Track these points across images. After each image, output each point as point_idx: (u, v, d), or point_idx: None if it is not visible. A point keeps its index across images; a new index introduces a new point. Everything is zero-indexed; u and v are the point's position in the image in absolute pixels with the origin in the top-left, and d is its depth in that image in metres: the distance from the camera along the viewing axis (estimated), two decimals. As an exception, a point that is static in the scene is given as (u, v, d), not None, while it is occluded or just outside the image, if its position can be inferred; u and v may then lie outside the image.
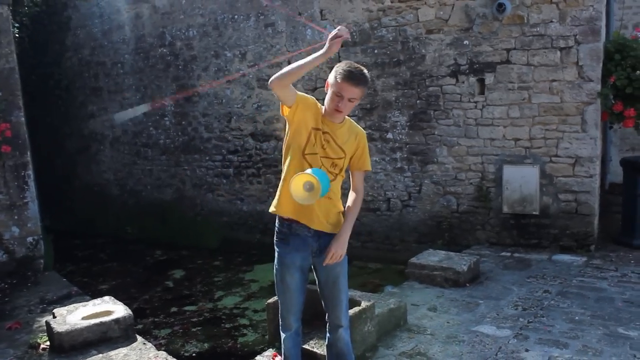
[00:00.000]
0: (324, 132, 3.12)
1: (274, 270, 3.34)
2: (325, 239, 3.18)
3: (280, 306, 3.38)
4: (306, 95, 3.12)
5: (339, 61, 7.99)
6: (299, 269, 3.25)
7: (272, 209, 3.24)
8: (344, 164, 3.21)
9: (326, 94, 3.12)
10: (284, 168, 3.20)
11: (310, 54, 2.96)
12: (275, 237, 3.30)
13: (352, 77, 2.99)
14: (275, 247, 3.29)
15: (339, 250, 3.10)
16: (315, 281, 3.36)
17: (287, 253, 3.21)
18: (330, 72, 3.11)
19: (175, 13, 9.90)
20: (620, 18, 8.67)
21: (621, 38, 6.96)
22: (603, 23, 6.82)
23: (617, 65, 6.72)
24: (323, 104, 3.16)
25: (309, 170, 2.92)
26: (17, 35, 10.54)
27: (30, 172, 7.04)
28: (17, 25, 11.43)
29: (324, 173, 2.98)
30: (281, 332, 3.42)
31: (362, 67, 3.07)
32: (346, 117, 3.21)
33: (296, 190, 2.91)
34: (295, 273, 3.24)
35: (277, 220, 3.28)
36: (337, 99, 3.03)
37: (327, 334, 3.43)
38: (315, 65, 2.99)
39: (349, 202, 3.28)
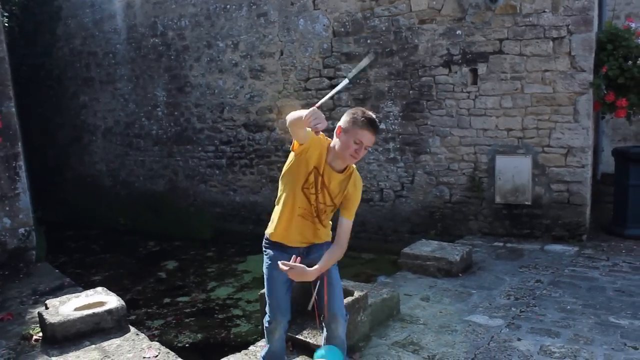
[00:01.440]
0: (321, 175, 3.14)
1: (264, 269, 3.36)
2: (313, 247, 3.30)
3: (268, 306, 3.36)
4: (316, 137, 3.04)
5: (332, 51, 8.01)
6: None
7: (268, 233, 3.33)
8: (332, 211, 3.29)
9: (338, 138, 3.08)
10: (281, 195, 3.27)
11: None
12: (263, 242, 3.39)
13: (373, 125, 3.02)
14: (264, 249, 3.38)
15: (295, 273, 3.01)
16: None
17: (278, 255, 3.24)
18: (343, 116, 3.11)
19: (167, 2, 9.83)
20: (613, 8, 8.68)
21: (613, 28, 6.96)
22: (595, 13, 6.82)
23: (610, 55, 6.73)
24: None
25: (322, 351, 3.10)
26: (6, 24, 10.48)
27: (22, 163, 6.99)
28: (6, 14, 11.37)
29: (338, 353, 3.11)
30: (267, 334, 3.39)
31: (373, 117, 3.07)
32: (351, 165, 3.20)
33: None
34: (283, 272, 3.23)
35: (266, 234, 3.37)
36: (355, 146, 3.02)
37: (324, 328, 3.41)
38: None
39: (329, 250, 3.20)
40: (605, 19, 7.62)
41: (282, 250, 3.26)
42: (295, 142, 3.08)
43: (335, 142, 3.11)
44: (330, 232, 3.33)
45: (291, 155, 3.18)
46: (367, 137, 3.02)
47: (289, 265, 2.97)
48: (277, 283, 3.27)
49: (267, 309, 3.38)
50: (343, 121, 3.08)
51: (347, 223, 3.22)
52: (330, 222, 3.38)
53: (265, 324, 3.39)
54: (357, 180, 3.26)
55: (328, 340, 3.37)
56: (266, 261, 3.34)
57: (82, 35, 11.44)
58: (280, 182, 3.29)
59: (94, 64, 11.37)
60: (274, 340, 3.39)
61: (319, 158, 3.12)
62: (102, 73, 11.26)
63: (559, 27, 6.65)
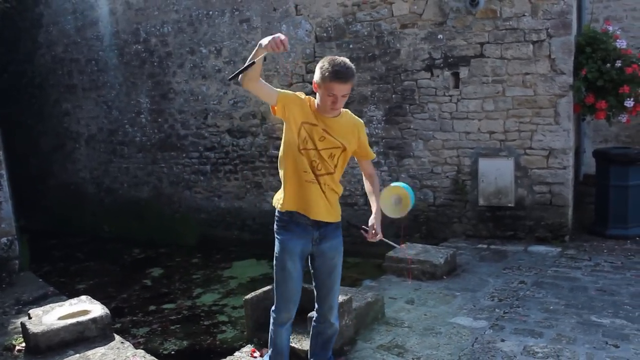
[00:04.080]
0: (316, 125, 3.14)
1: (274, 260, 3.34)
2: (325, 228, 3.27)
3: (277, 298, 3.38)
4: (286, 91, 3.14)
5: (315, 57, 8.03)
6: (300, 256, 3.28)
7: (277, 205, 3.30)
8: (343, 155, 3.26)
9: (316, 93, 3.13)
10: (282, 165, 3.25)
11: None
12: (275, 225, 3.33)
13: (339, 75, 2.99)
14: (277, 235, 3.31)
15: (379, 229, 3.28)
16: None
17: (289, 239, 3.23)
18: (315, 69, 3.11)
19: (150, 9, 9.81)
20: (591, 12, 8.79)
21: (592, 31, 7.06)
22: (574, 17, 6.92)
23: (589, 58, 6.82)
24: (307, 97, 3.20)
25: (397, 183, 3.09)
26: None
27: (4, 171, 6.94)
28: (-13, 22, 11.27)
29: (410, 188, 3.12)
30: (274, 326, 3.42)
31: (346, 61, 3.06)
32: (342, 109, 3.24)
33: (384, 204, 3.11)
34: (297, 259, 3.27)
35: (276, 210, 3.32)
36: (329, 98, 3.04)
37: (314, 323, 3.51)
38: (259, 55, 2.87)
39: (368, 187, 3.46)
40: (584, 23, 7.74)
41: (294, 224, 3.22)
42: (272, 108, 3.10)
43: (317, 99, 3.16)
44: (340, 211, 3.37)
45: (284, 124, 3.19)
46: (338, 88, 3.02)
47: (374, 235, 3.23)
48: (292, 273, 3.27)
49: (275, 303, 3.40)
50: (315, 75, 3.09)
51: (367, 162, 3.49)
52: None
53: (272, 319, 3.42)
54: (359, 123, 3.37)
55: (317, 334, 3.50)
56: (278, 249, 3.29)
57: (64, 42, 11.37)
58: (280, 159, 3.28)
59: (76, 71, 11.31)
60: (281, 336, 3.43)
61: (304, 111, 3.13)
62: (84, 80, 11.19)
63: (539, 31, 6.73)
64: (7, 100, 12.23)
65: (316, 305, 3.47)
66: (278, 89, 3.11)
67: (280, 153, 3.26)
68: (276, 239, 3.32)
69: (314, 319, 3.53)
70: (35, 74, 12.19)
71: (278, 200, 3.29)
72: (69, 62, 11.40)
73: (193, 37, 9.37)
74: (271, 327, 3.45)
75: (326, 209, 3.25)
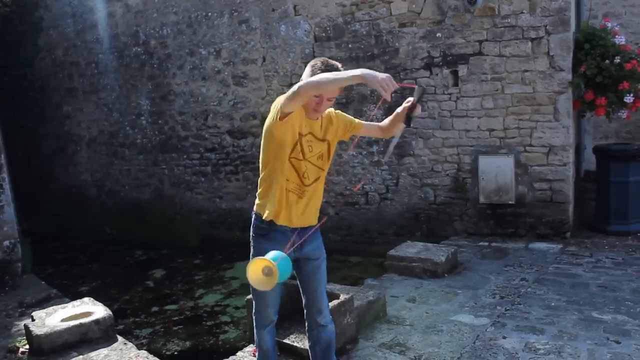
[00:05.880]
0: (307, 134, 3.09)
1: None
2: (305, 232, 3.17)
3: (256, 301, 3.36)
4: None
5: (314, 57, 8.04)
6: None
7: (262, 213, 3.19)
8: (329, 150, 3.21)
9: None
10: (269, 171, 3.15)
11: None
12: (252, 232, 3.27)
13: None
14: (253, 242, 3.25)
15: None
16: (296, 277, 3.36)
17: (267, 248, 3.02)
18: (305, 69, 3.08)
19: (149, 11, 9.83)
20: (590, 8, 8.80)
21: (590, 28, 7.06)
22: (572, 13, 6.92)
23: (587, 54, 6.82)
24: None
25: (268, 256, 2.76)
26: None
27: (5, 175, 6.97)
28: (-13, 26, 11.30)
29: (285, 258, 2.79)
30: (257, 329, 3.41)
31: (337, 64, 3.02)
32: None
33: (253, 275, 2.76)
34: None
35: (254, 216, 3.26)
36: (315, 99, 2.96)
37: (308, 333, 3.45)
38: (347, 83, 2.82)
39: (386, 121, 3.36)
40: (582, 19, 7.75)
41: (274, 232, 3.14)
42: (280, 112, 2.93)
43: None
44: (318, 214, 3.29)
45: (271, 127, 3.04)
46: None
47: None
48: None
49: (254, 309, 3.36)
50: (304, 75, 3.02)
51: (370, 123, 3.41)
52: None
53: (254, 321, 3.39)
54: (332, 111, 3.25)
55: (315, 343, 3.42)
56: (255, 255, 3.16)
57: (64, 45, 11.39)
58: (264, 167, 3.19)
59: (76, 74, 11.33)
60: (264, 338, 3.39)
61: (300, 122, 3.05)
62: (85, 83, 11.22)
63: (537, 28, 6.74)
64: (7, 104, 12.23)
65: (305, 312, 3.39)
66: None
67: (264, 160, 3.17)
68: (252, 247, 3.24)
69: (306, 328, 3.45)
70: (35, 78, 12.21)
71: (261, 207, 3.20)
72: (69, 65, 11.42)
73: (192, 38, 9.39)
74: (254, 329, 3.42)
75: (308, 215, 3.21)
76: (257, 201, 3.26)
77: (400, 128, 3.16)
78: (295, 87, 2.81)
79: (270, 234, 3.16)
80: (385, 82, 2.60)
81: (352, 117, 3.37)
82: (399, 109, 3.17)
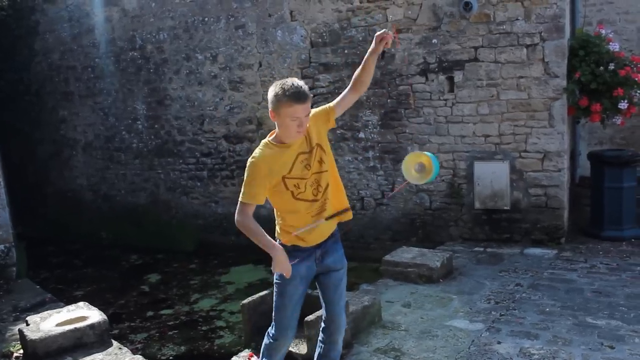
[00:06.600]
0: (295, 163, 3.03)
1: (274, 285, 3.23)
2: (327, 243, 3.21)
3: (275, 324, 3.25)
4: (262, 181, 3.07)
5: (310, 62, 8.05)
6: (304, 280, 3.18)
7: (283, 240, 3.19)
8: (323, 149, 3.13)
9: (276, 122, 2.99)
10: (281, 212, 3.20)
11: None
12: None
13: (298, 96, 2.85)
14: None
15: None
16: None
17: (291, 265, 3.06)
18: (268, 99, 2.96)
19: (145, 16, 9.84)
20: (584, 15, 8.85)
21: (584, 35, 7.11)
22: (567, 20, 6.95)
23: (582, 61, 6.86)
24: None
25: (420, 152, 3.13)
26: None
27: (1, 179, 6.97)
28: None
29: (435, 157, 3.07)
30: (268, 351, 3.31)
31: (295, 80, 2.92)
32: None
33: (407, 171, 3.16)
34: (300, 284, 3.16)
35: (279, 240, 3.21)
36: (294, 122, 2.89)
37: (320, 343, 3.42)
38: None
39: (355, 75, 3.27)
40: (577, 26, 7.79)
41: (300, 259, 3.11)
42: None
43: (277, 128, 3.01)
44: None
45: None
46: (300, 110, 2.87)
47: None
48: (292, 299, 3.17)
49: (273, 326, 3.27)
50: (270, 105, 2.93)
51: (342, 97, 3.27)
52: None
53: (269, 341, 3.29)
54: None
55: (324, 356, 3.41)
56: (277, 275, 3.16)
57: (61, 49, 11.39)
58: (278, 209, 3.22)
59: (72, 78, 11.32)
60: (276, 358, 3.32)
61: (280, 167, 3.02)
62: (81, 87, 11.21)
63: (532, 35, 6.78)
64: (3, 108, 12.23)
65: (323, 325, 3.37)
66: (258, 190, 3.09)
67: (277, 208, 3.21)
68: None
69: (319, 338, 3.42)
70: (31, 82, 12.20)
71: (283, 235, 3.20)
72: (66, 70, 11.41)
73: (189, 43, 9.40)
74: (266, 345, 3.32)
75: (327, 227, 3.20)
76: (277, 227, 3.24)
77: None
78: (237, 215, 3.19)
79: (293, 253, 3.12)
80: (278, 270, 3.01)
81: (322, 106, 3.21)
82: (369, 50, 3.17)
